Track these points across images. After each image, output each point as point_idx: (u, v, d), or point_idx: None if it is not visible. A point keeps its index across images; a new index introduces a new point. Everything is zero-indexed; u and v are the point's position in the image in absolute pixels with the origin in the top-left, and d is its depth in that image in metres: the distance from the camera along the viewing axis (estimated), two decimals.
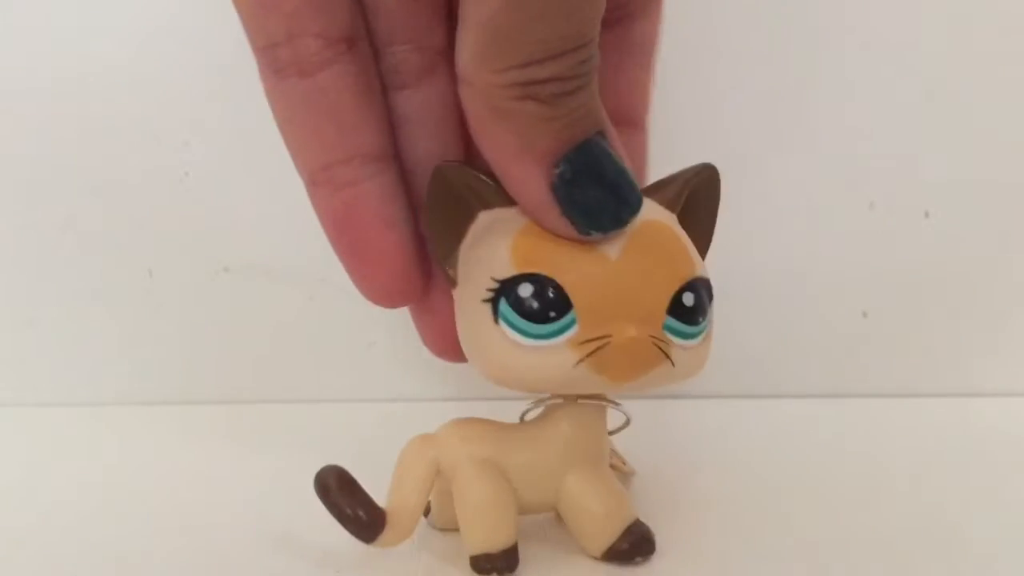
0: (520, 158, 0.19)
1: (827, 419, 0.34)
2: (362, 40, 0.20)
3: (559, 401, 0.22)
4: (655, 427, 0.31)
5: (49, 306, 0.36)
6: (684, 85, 0.33)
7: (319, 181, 0.20)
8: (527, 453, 0.22)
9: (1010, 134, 0.34)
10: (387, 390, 0.36)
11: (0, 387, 0.37)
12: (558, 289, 0.19)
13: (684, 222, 0.22)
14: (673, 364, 0.20)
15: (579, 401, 0.22)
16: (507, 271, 0.20)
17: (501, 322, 0.20)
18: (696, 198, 0.22)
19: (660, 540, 0.23)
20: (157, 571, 0.23)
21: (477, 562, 0.22)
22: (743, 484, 0.28)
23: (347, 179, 0.20)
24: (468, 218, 0.21)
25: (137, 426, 0.35)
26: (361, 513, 0.21)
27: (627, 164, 0.19)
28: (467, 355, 0.21)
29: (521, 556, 0.22)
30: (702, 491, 0.27)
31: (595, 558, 0.22)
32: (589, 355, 0.19)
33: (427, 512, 0.25)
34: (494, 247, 0.20)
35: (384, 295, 0.21)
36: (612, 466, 0.26)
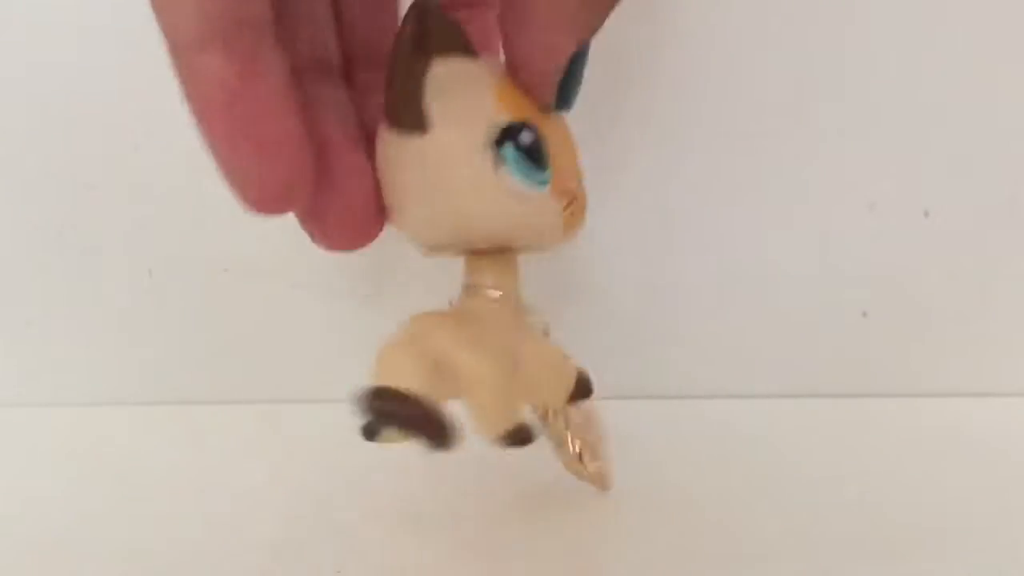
0: (563, 24, 0.18)
1: (827, 419, 0.34)
2: None
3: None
4: (654, 427, 0.31)
5: (49, 306, 0.36)
6: (684, 85, 0.33)
7: (210, 47, 0.17)
8: (484, 326, 0.21)
9: (1010, 134, 0.34)
10: None
11: (0, 387, 0.37)
12: (544, 139, 0.20)
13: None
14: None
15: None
16: (505, 117, 0.19)
17: (506, 168, 0.19)
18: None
19: (657, 539, 0.23)
20: (156, 571, 0.23)
21: (518, 433, 0.21)
22: (742, 484, 0.28)
23: (248, 45, 0.17)
24: (426, 63, 0.19)
25: (137, 426, 0.35)
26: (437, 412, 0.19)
27: None
28: (417, 209, 0.20)
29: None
30: (701, 491, 0.27)
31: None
32: (568, 204, 0.20)
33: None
34: (479, 94, 0.19)
35: (281, 189, 0.18)
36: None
